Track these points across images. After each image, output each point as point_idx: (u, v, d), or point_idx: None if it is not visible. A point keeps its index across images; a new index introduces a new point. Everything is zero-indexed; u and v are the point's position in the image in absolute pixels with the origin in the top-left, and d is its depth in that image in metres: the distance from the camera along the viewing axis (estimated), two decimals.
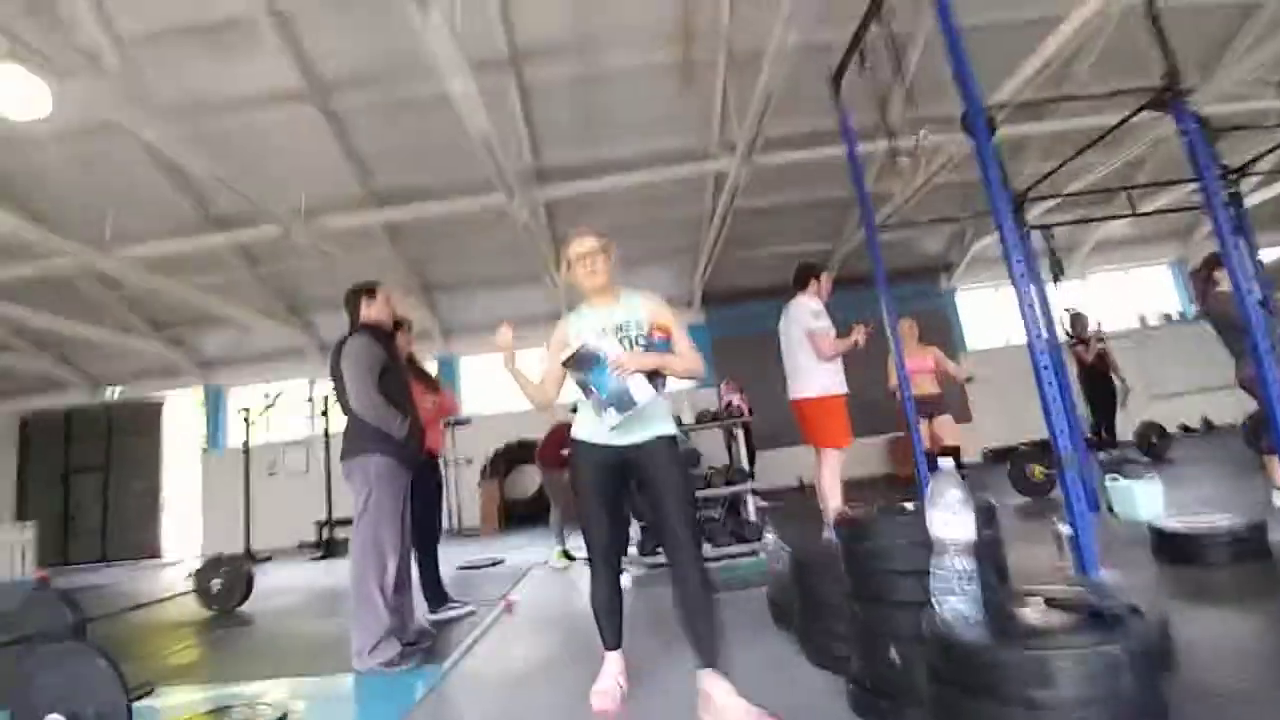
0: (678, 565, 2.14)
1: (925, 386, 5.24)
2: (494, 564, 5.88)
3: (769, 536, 4.26)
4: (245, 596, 5.01)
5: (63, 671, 2.06)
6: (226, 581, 4.98)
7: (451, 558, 6.67)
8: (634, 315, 2.28)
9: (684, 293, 10.92)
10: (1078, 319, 7.06)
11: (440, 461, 4.00)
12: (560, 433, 5.08)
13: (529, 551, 6.25)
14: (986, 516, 1.88)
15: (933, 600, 1.53)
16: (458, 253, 9.26)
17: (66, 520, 11.25)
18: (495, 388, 11.20)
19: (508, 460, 10.08)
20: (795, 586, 2.52)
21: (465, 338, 11.16)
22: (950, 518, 1.53)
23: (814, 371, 3.99)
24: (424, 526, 3.78)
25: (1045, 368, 3.12)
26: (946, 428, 5.26)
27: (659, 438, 2.22)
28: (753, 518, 4.55)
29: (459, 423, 10.63)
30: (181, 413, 11.97)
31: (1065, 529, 2.98)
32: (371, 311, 3.28)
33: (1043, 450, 5.53)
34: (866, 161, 7.13)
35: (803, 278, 4.27)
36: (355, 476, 3.05)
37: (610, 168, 7.36)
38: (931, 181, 7.46)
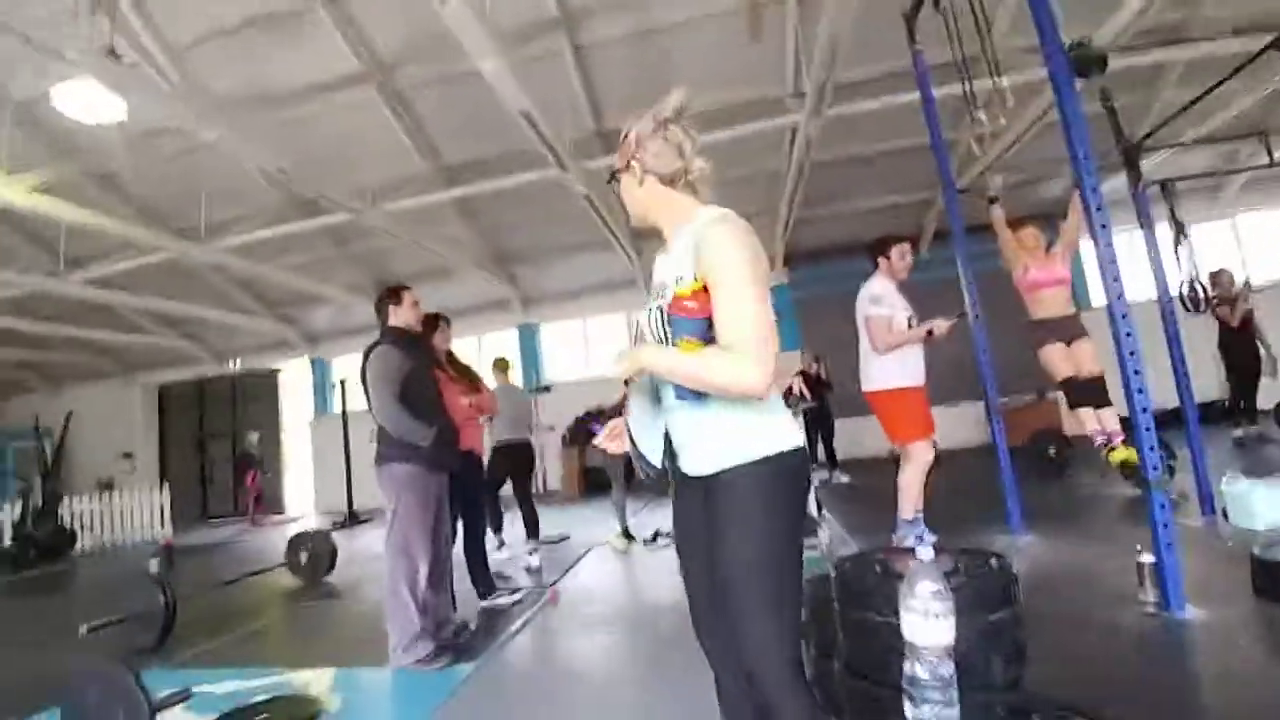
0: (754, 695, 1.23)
1: (1058, 305, 4.14)
2: (560, 540, 5.92)
3: (824, 532, 3.97)
4: (330, 567, 5.36)
5: (102, 685, 2.19)
6: (312, 555, 5.34)
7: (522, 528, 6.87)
8: (677, 268, 1.28)
9: (766, 253, 10.35)
10: (1219, 275, 6.04)
11: (481, 456, 4.02)
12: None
13: (596, 526, 6.27)
14: (1001, 592, 1.58)
15: (906, 705, 1.29)
16: (531, 223, 9.26)
17: (203, 480, 12.73)
18: (575, 355, 11.33)
19: (587, 427, 10.19)
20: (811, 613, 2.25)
21: (544, 306, 11.27)
22: (924, 620, 1.27)
23: (875, 361, 3.62)
24: (468, 521, 3.89)
25: (1128, 335, 2.66)
26: (1089, 353, 4.08)
27: (723, 470, 1.24)
28: (812, 509, 4.24)
29: (543, 389, 10.86)
30: (295, 382, 13.00)
31: (1148, 558, 2.56)
32: (397, 315, 3.25)
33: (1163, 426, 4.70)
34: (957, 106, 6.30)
35: (872, 256, 3.81)
36: (384, 484, 3.10)
37: None
38: (1043, 120, 6.53)
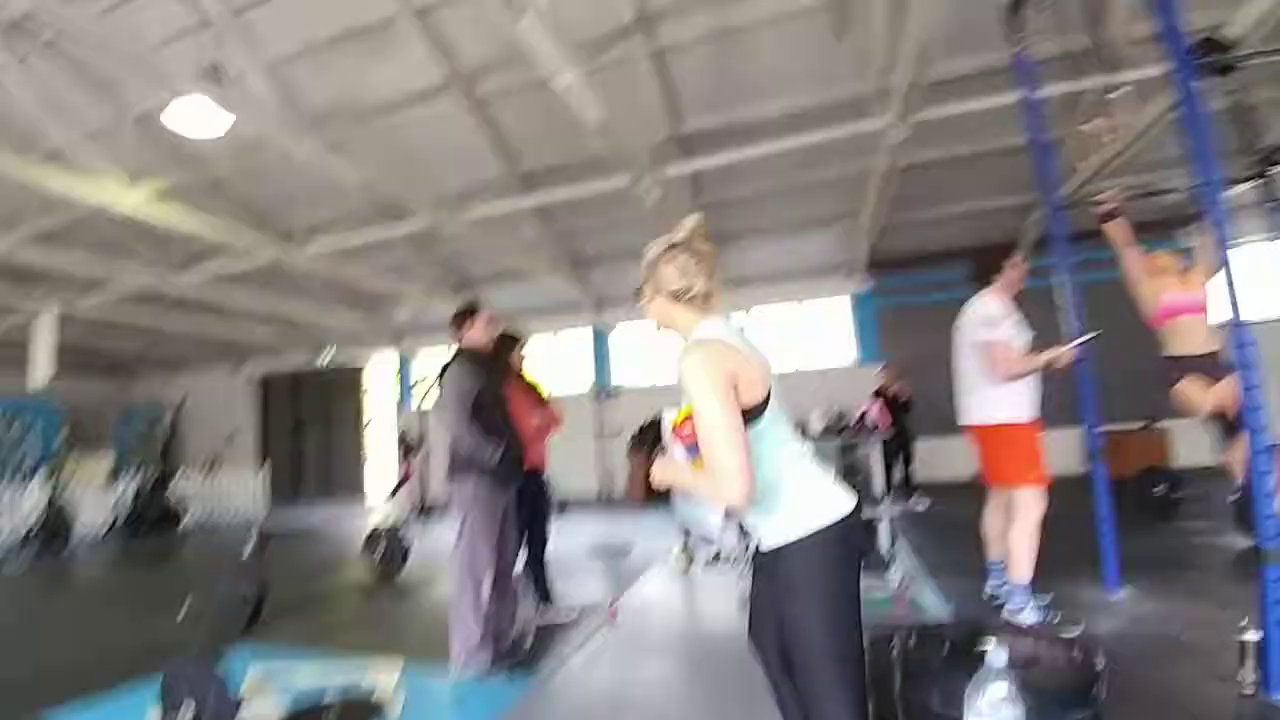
0: None
1: (1198, 337, 3.57)
2: (622, 553, 5.88)
3: (895, 570, 3.74)
4: (404, 563, 5.58)
5: (193, 678, 2.36)
6: (387, 551, 5.58)
7: (589, 531, 6.92)
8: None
9: (848, 260, 9.99)
10: None
11: (545, 475, 4.05)
12: None
13: (658, 537, 6.22)
14: (1082, 689, 1.42)
15: None
16: (605, 226, 9.28)
17: (297, 464, 13.63)
18: (645, 359, 11.32)
19: (654, 434, 10.12)
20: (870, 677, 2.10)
21: (616, 309, 11.29)
22: None
23: (987, 392, 3.22)
24: (532, 535, 3.91)
25: (1248, 369, 2.38)
26: (1236, 394, 3.30)
27: (780, 546, 1.41)
28: (884, 545, 4.02)
29: (608, 395, 10.93)
30: (380, 374, 13.65)
31: (1252, 635, 2.28)
32: (470, 335, 3.33)
33: None
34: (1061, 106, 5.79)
35: (984, 272, 3.39)
36: (454, 498, 3.20)
37: (756, 130, 6.80)
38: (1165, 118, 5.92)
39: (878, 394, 7.02)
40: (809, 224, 9.37)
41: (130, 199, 6.13)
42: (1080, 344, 3.24)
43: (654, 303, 1.56)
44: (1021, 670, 1.40)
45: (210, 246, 8.11)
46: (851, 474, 4.15)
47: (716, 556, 4.99)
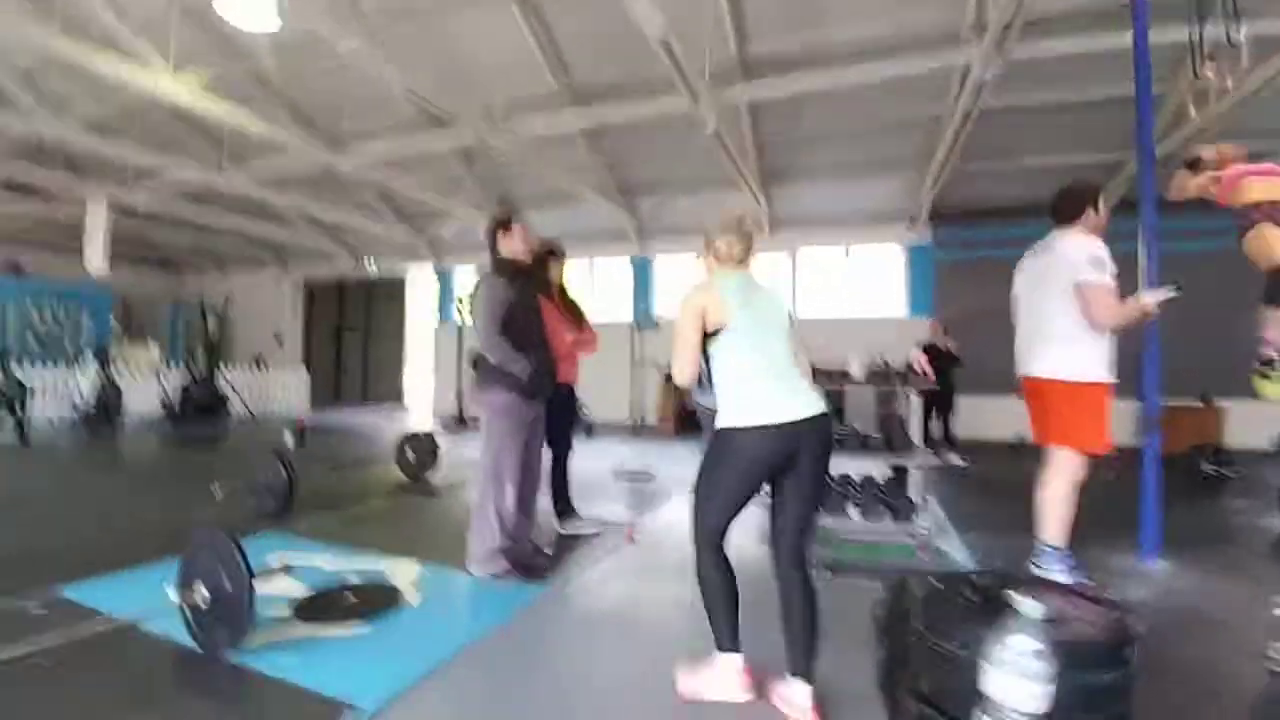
0: None
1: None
2: (645, 479, 5.94)
3: (923, 518, 3.66)
4: (434, 466, 5.74)
5: (213, 551, 2.40)
6: (418, 454, 5.73)
7: (616, 454, 7.00)
8: None
9: (908, 208, 9.52)
10: None
11: (574, 390, 4.04)
12: None
13: (685, 467, 6.24)
14: (1114, 652, 1.33)
15: None
16: (656, 155, 8.99)
17: (338, 367, 14.04)
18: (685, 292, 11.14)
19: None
20: (887, 617, 2.08)
21: (660, 240, 11.06)
22: (1015, 681, 1.07)
23: (1070, 342, 2.87)
24: (558, 449, 3.95)
25: None
26: None
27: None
28: (913, 494, 3.93)
29: (650, 324, 10.84)
30: (421, 287, 13.78)
31: None
32: (506, 246, 3.25)
33: None
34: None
35: (1071, 208, 3.01)
36: (481, 408, 3.21)
37: (830, 58, 6.37)
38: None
39: (927, 348, 6.77)
40: (872, 167, 8.90)
41: (178, 88, 6.09)
42: (1167, 297, 2.88)
43: (705, 261, 2.23)
44: (1053, 625, 1.32)
45: (258, 146, 8.11)
46: (888, 422, 4.02)
47: None
